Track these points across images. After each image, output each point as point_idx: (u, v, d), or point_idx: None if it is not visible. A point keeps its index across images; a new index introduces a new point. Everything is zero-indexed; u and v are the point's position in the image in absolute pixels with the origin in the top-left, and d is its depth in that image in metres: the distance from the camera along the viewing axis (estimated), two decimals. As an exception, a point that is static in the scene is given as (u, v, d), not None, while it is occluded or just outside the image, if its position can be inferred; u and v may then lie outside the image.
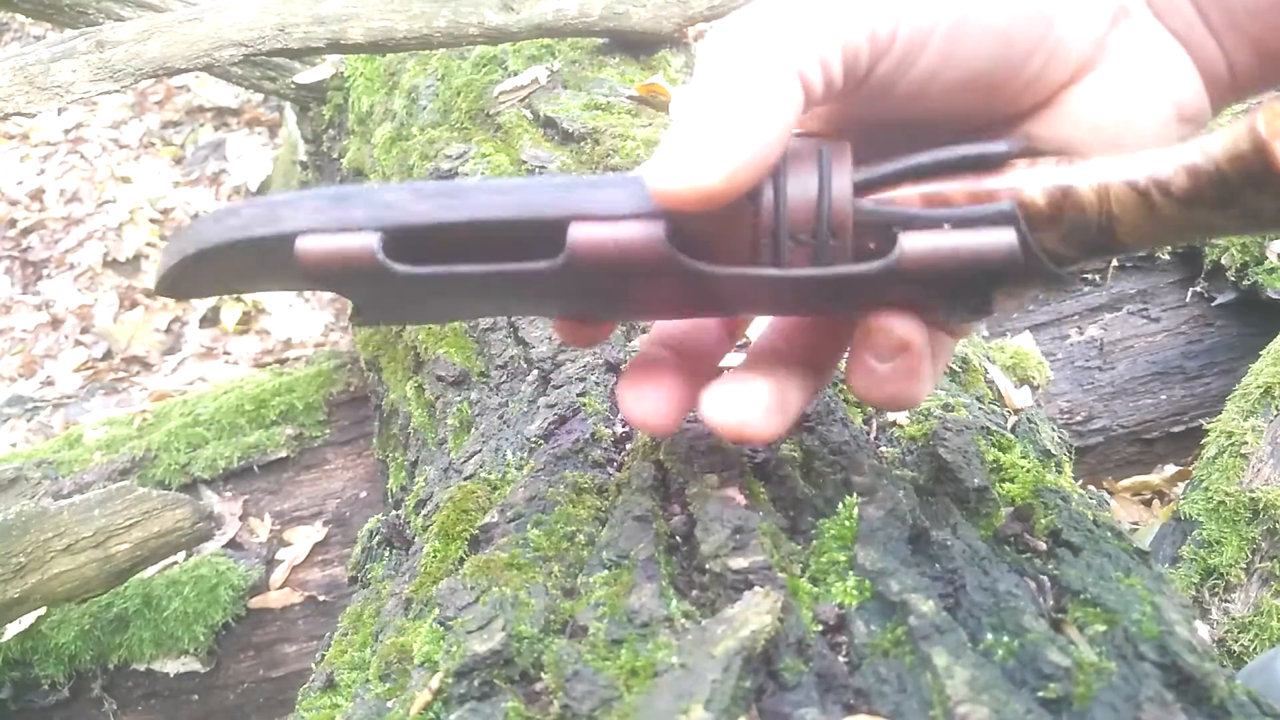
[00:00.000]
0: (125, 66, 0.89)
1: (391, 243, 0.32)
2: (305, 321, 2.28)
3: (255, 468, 1.14)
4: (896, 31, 0.31)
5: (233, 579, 1.04)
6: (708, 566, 0.35)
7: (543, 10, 1.03)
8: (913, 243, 0.31)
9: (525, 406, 0.58)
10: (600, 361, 0.58)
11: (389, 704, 0.37)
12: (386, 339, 0.90)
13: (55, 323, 2.45)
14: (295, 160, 1.99)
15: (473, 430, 0.62)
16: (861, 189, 0.32)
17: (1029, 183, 0.31)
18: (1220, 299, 1.14)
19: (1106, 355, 1.16)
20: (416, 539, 0.55)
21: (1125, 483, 1.18)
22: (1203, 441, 0.93)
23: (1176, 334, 1.16)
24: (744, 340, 0.57)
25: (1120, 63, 0.34)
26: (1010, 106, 0.34)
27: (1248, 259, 1.10)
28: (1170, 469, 1.17)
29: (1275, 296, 1.07)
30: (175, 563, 1.05)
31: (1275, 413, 0.89)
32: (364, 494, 1.14)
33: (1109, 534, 0.40)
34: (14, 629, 0.97)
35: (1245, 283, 1.10)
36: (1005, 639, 0.31)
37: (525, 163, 0.86)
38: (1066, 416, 1.14)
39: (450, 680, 0.33)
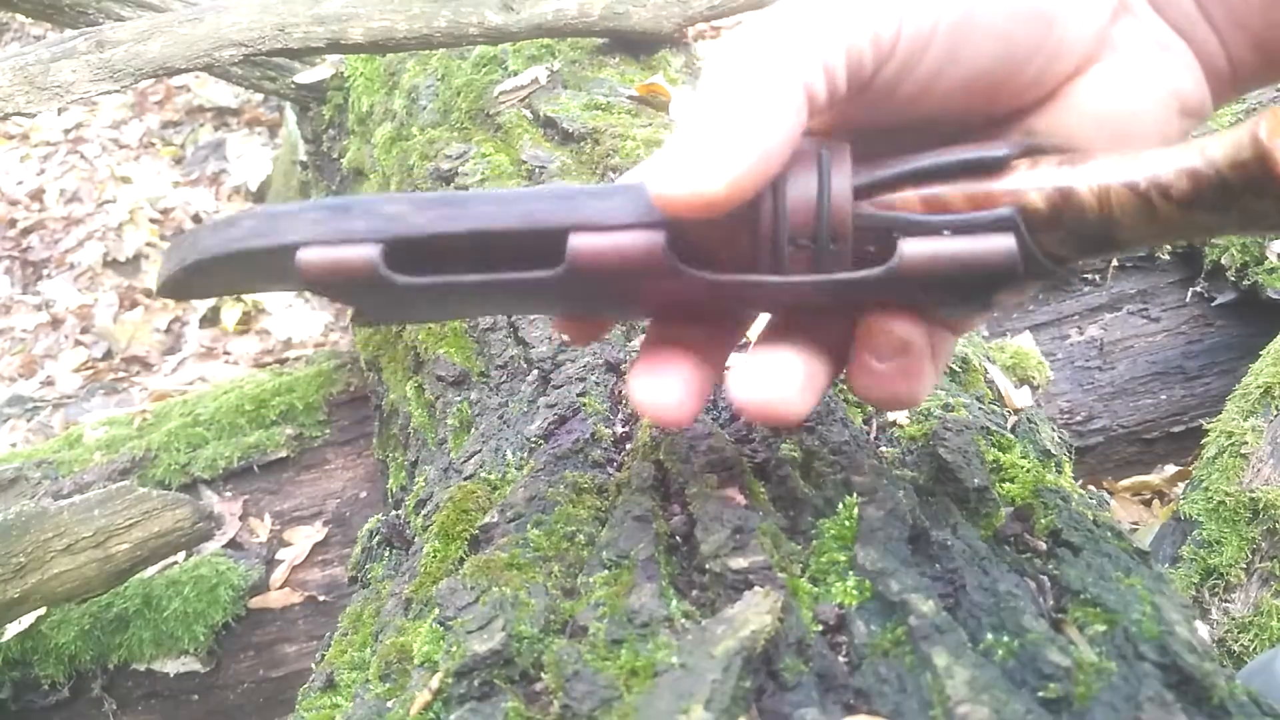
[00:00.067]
0: (125, 66, 0.89)
1: (392, 253, 0.32)
2: (305, 321, 2.28)
3: (255, 468, 1.14)
4: (899, 35, 0.31)
5: (233, 579, 1.04)
6: (708, 566, 0.35)
7: (543, 10, 1.03)
8: (913, 248, 0.31)
9: (525, 406, 0.58)
10: (600, 361, 0.58)
11: (389, 704, 0.37)
12: (386, 339, 0.90)
13: (55, 323, 2.45)
14: (295, 160, 1.99)
15: (473, 430, 0.62)
16: (861, 192, 0.32)
17: (1029, 185, 0.31)
18: (1220, 299, 1.14)
19: (1106, 355, 1.16)
20: (416, 539, 0.55)
21: (1125, 483, 1.18)
22: (1203, 441, 0.93)
23: (1176, 334, 1.16)
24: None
25: (1122, 56, 0.34)
26: (1012, 103, 0.34)
27: (1248, 259, 1.10)
28: (1170, 469, 1.17)
29: (1275, 296, 1.07)
30: (175, 563, 1.05)
31: (1275, 413, 0.89)
32: (364, 494, 1.13)
33: (1109, 534, 0.40)
34: (14, 629, 0.97)
35: (1245, 283, 1.10)
36: (1005, 639, 0.31)
37: (525, 162, 0.86)
38: (1066, 416, 1.14)
39: (450, 680, 0.33)
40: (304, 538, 1.11)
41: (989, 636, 0.32)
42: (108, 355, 2.35)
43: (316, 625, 1.06)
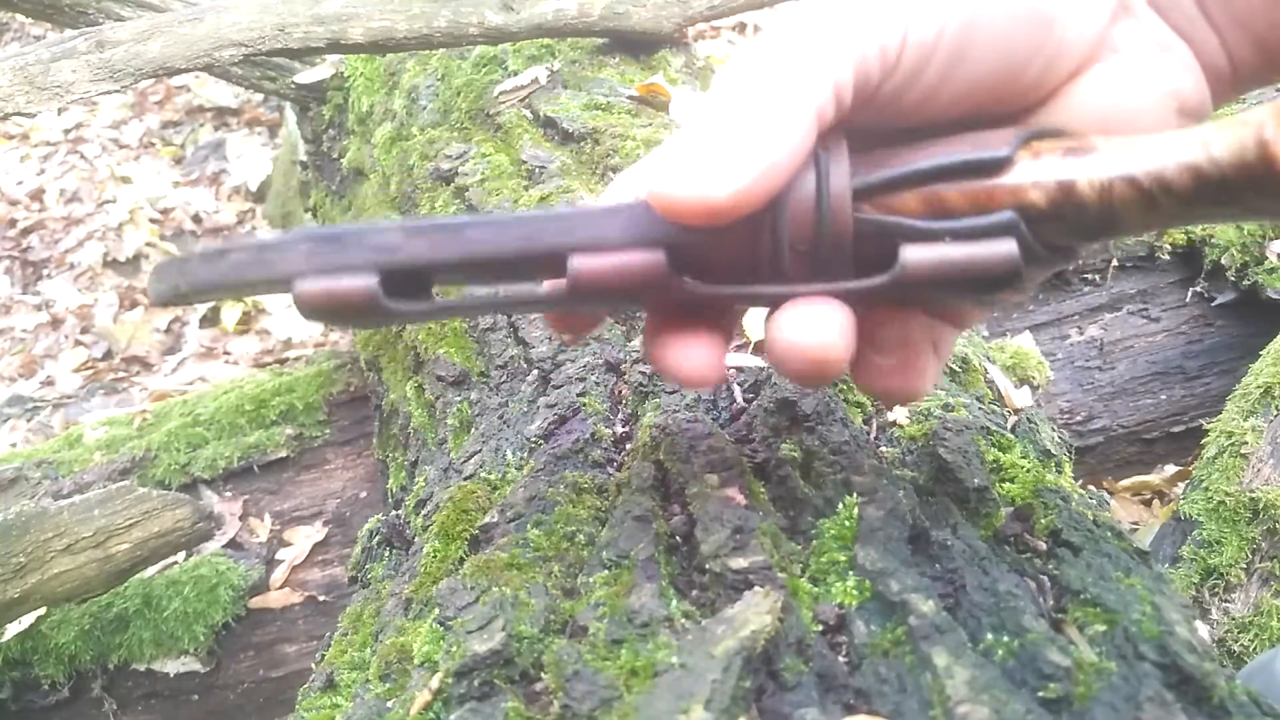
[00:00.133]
0: (125, 66, 0.89)
1: (389, 280, 0.32)
2: (305, 322, 2.28)
3: (255, 468, 1.14)
4: (904, 45, 0.31)
5: (233, 579, 1.04)
6: (708, 566, 0.35)
7: (543, 10, 1.03)
8: (914, 255, 0.31)
9: (525, 406, 0.58)
10: (600, 361, 0.58)
11: (389, 704, 0.37)
12: (386, 339, 0.90)
13: (55, 323, 2.45)
14: (295, 160, 1.99)
15: (473, 430, 0.62)
16: (860, 195, 0.32)
17: (1030, 182, 0.31)
18: (1220, 299, 1.14)
19: (1106, 355, 1.16)
20: (416, 539, 0.55)
21: (1125, 483, 1.18)
22: (1203, 441, 0.93)
23: (1176, 334, 1.16)
24: (744, 340, 0.57)
25: (1121, 57, 0.34)
26: (1013, 106, 0.34)
27: (1248, 259, 1.10)
28: (1170, 469, 1.17)
29: (1275, 296, 1.07)
30: (175, 563, 1.05)
31: (1275, 413, 0.89)
32: (364, 494, 1.14)
33: (1109, 534, 0.40)
34: (14, 629, 0.97)
35: (1245, 283, 1.10)
36: (1005, 639, 0.31)
37: (525, 163, 0.86)
38: (1066, 416, 1.14)
39: (450, 680, 0.33)
40: (304, 538, 1.11)
41: (989, 636, 0.32)
42: (108, 355, 2.35)
43: (316, 625, 1.06)
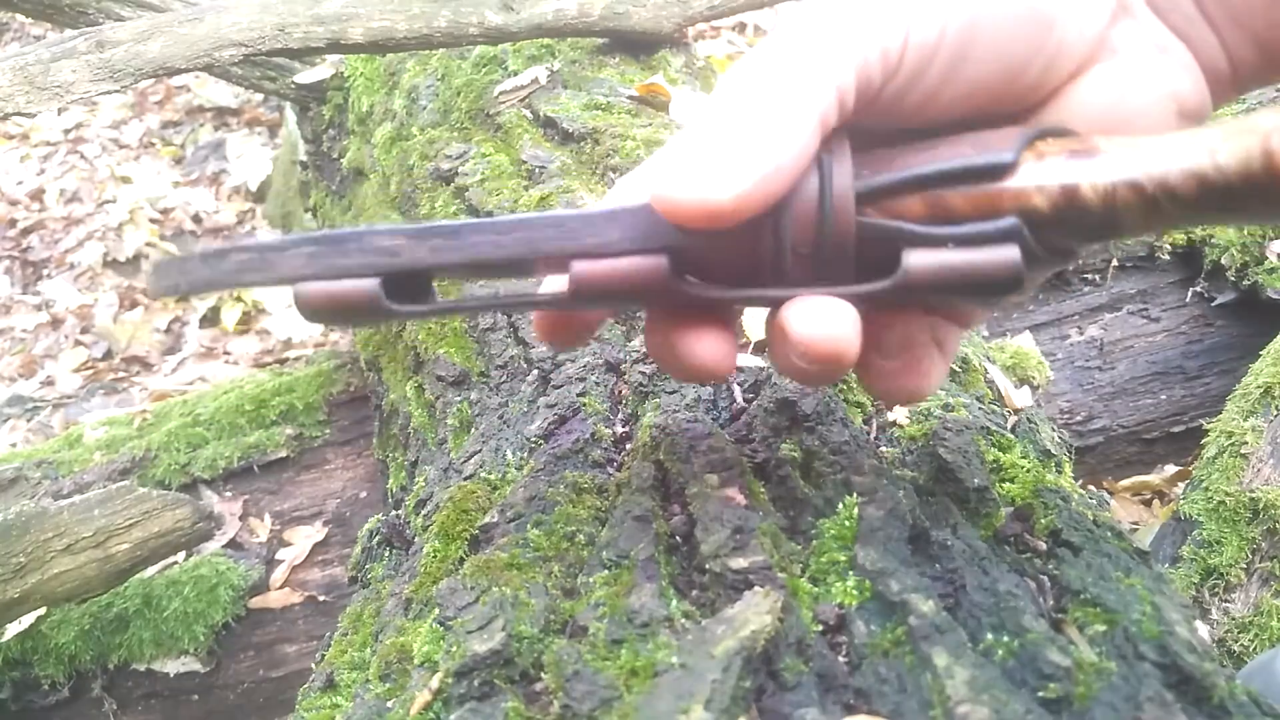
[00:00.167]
0: (125, 66, 0.89)
1: (390, 282, 0.32)
2: (305, 321, 2.27)
3: (255, 468, 1.14)
4: (906, 47, 0.31)
5: (233, 579, 1.04)
6: (708, 566, 0.35)
7: (543, 10, 1.03)
8: (917, 261, 0.31)
9: (525, 406, 0.58)
10: (600, 361, 0.58)
11: (389, 704, 0.37)
12: (386, 339, 0.90)
13: (55, 323, 2.45)
14: (295, 160, 1.99)
15: (473, 430, 0.62)
16: (864, 199, 0.32)
17: (1033, 187, 0.31)
18: (1220, 299, 1.14)
19: (1106, 355, 1.16)
20: (416, 539, 0.55)
21: (1125, 483, 1.18)
22: (1203, 441, 0.93)
23: (1176, 334, 1.16)
24: (744, 340, 0.57)
25: (1120, 59, 0.34)
26: (1012, 107, 0.34)
27: (1248, 259, 1.10)
28: (1170, 469, 1.17)
29: (1275, 296, 1.07)
30: (175, 563, 1.05)
31: (1275, 413, 0.89)
32: (364, 494, 1.14)
33: (1109, 534, 0.40)
34: (14, 629, 0.97)
35: (1245, 283, 1.10)
36: (1005, 639, 0.31)
37: (525, 162, 0.86)
38: (1066, 416, 1.14)
39: (450, 680, 0.33)
40: (304, 538, 1.11)
41: (989, 636, 0.32)
42: (108, 355, 2.35)
43: (316, 625, 1.06)
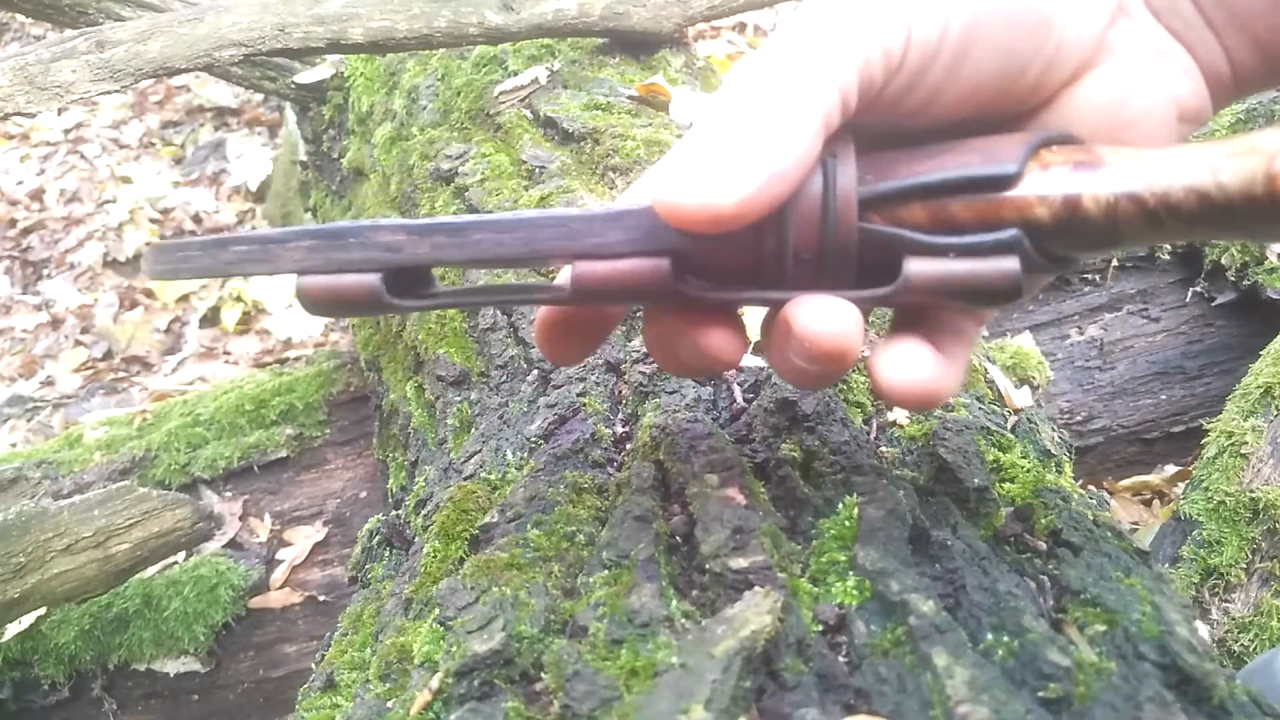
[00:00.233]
0: (125, 66, 0.89)
1: (391, 277, 0.32)
2: (305, 321, 2.28)
3: (255, 468, 1.14)
4: (908, 45, 0.31)
5: (233, 579, 1.04)
6: (708, 566, 0.35)
7: (543, 10, 1.03)
8: (917, 269, 0.31)
9: (525, 406, 0.58)
10: (600, 361, 0.58)
11: (389, 704, 0.37)
12: (386, 339, 0.90)
13: (55, 323, 2.45)
14: (295, 160, 1.99)
15: (473, 430, 0.62)
16: (867, 205, 0.32)
17: (1036, 198, 0.31)
18: (1220, 299, 1.14)
19: (1106, 355, 1.16)
20: (416, 539, 0.55)
21: (1125, 483, 1.18)
22: (1203, 441, 0.93)
23: (1176, 334, 1.16)
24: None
25: (1119, 62, 0.34)
26: (1011, 111, 0.34)
27: (1248, 259, 1.10)
28: (1170, 469, 1.17)
29: (1275, 296, 1.07)
30: (175, 563, 1.05)
31: (1275, 413, 0.89)
32: (364, 494, 1.14)
33: (1109, 534, 0.40)
34: (14, 629, 0.97)
35: (1245, 283, 1.10)
36: (1005, 639, 0.31)
37: (525, 162, 0.86)
38: (1066, 416, 1.14)
39: (450, 680, 0.33)
40: (304, 538, 1.11)
41: (989, 636, 0.32)
42: (108, 355, 2.35)
43: (316, 625, 1.06)
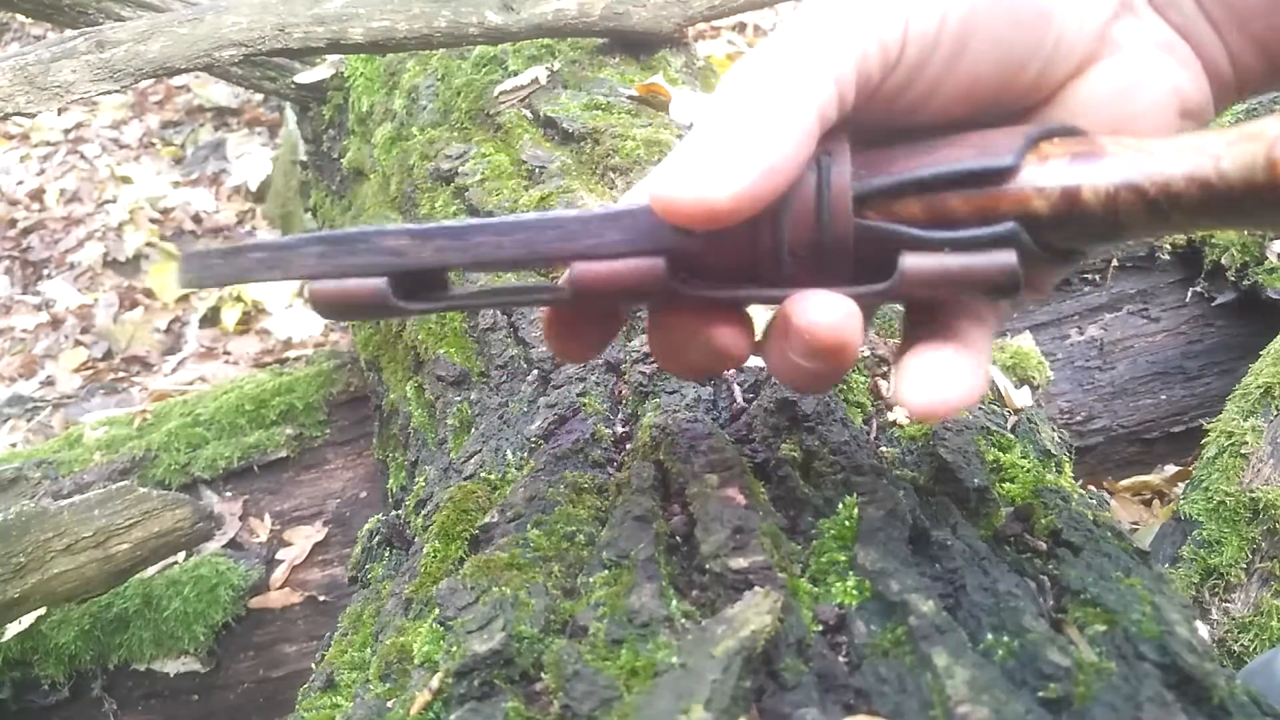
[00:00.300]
0: (125, 66, 0.89)
1: (398, 281, 0.34)
2: (305, 321, 2.28)
3: (255, 468, 1.14)
4: (905, 40, 0.31)
5: (233, 579, 1.04)
6: (708, 566, 0.35)
7: (543, 10, 1.03)
8: (913, 264, 0.31)
9: (525, 406, 0.58)
10: (600, 361, 0.58)
11: (389, 704, 0.37)
12: (386, 339, 0.90)
13: (55, 323, 2.45)
14: (295, 160, 1.99)
15: (473, 430, 0.62)
16: (863, 201, 0.32)
17: (1034, 190, 0.31)
18: (1220, 299, 1.14)
19: (1106, 355, 1.16)
20: (416, 539, 0.55)
21: (1125, 483, 1.18)
22: (1203, 441, 0.93)
23: (1176, 334, 1.16)
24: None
25: (1122, 56, 0.34)
26: (1014, 106, 0.34)
27: (1248, 259, 1.10)
28: (1170, 469, 1.17)
29: (1275, 296, 1.07)
30: (175, 563, 1.05)
31: (1275, 413, 0.89)
32: (364, 494, 1.13)
33: (1109, 534, 0.40)
34: (14, 629, 0.97)
35: (1245, 283, 1.10)
36: (1005, 639, 0.31)
37: (525, 163, 0.86)
38: (1066, 416, 1.14)
39: (450, 680, 0.33)
40: (304, 538, 1.11)
41: (989, 636, 0.32)
42: (108, 355, 2.35)
43: (316, 625, 1.06)
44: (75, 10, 1.15)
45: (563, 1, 1.04)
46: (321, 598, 1.08)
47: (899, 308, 0.54)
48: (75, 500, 0.82)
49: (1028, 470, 0.46)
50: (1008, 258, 0.30)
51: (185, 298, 2.46)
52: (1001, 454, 0.47)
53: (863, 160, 0.32)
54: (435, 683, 0.34)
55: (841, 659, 0.33)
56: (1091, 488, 1.02)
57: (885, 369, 0.56)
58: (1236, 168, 0.28)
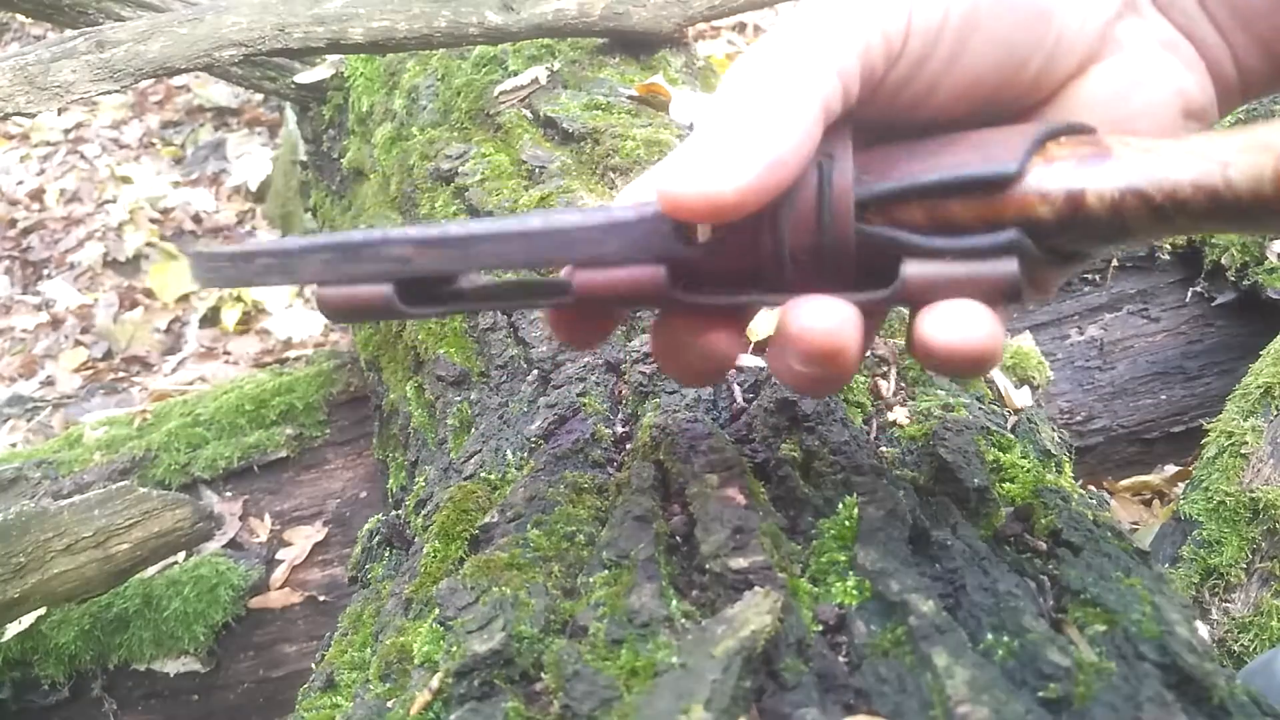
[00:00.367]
0: (125, 66, 0.89)
1: (402, 286, 0.34)
2: (305, 321, 2.28)
3: (255, 468, 1.14)
4: (909, 33, 0.31)
5: (233, 579, 1.04)
6: (708, 566, 0.35)
7: (543, 10, 1.03)
8: (915, 271, 0.31)
9: (525, 406, 0.58)
10: (600, 361, 0.58)
11: (389, 704, 0.37)
12: (386, 339, 0.90)
13: (55, 323, 2.45)
14: (295, 160, 1.99)
15: (473, 430, 0.62)
16: (864, 205, 0.32)
17: (1038, 197, 0.30)
18: (1220, 299, 1.14)
19: (1106, 355, 1.16)
20: (416, 539, 0.55)
21: (1125, 483, 1.18)
22: (1203, 441, 0.93)
23: (1176, 334, 1.16)
24: (745, 340, 0.57)
25: (1125, 56, 0.34)
26: (1016, 104, 0.34)
27: (1248, 259, 1.10)
28: (1170, 469, 1.17)
29: (1275, 296, 1.07)
30: (175, 563, 1.05)
31: (1275, 413, 0.89)
32: (364, 494, 1.13)
33: (1109, 534, 0.40)
34: (14, 629, 0.97)
35: (1245, 283, 1.10)
36: (1005, 639, 0.31)
37: (525, 162, 0.86)
38: (1066, 416, 1.14)
39: (450, 680, 0.33)
40: (304, 538, 1.11)
41: (989, 636, 0.32)
42: (108, 355, 2.35)
43: (316, 625, 1.06)
44: (75, 10, 1.15)
45: (563, 1, 1.04)
46: (321, 598, 1.08)
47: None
48: (75, 500, 0.82)
49: (1028, 470, 0.46)
50: (1009, 266, 0.30)
51: (185, 298, 2.46)
52: (1001, 454, 0.47)
53: (864, 161, 0.32)
54: (435, 683, 0.34)
55: (841, 659, 0.33)
56: (1091, 488, 1.02)
57: (885, 369, 0.56)
58: (1244, 178, 0.28)
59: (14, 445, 1.97)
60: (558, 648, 0.33)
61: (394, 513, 0.65)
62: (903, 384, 0.55)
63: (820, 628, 0.34)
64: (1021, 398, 0.59)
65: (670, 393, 0.53)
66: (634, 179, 0.77)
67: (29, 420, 2.09)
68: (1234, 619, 0.82)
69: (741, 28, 2.75)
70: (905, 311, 0.39)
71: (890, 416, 0.51)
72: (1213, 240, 1.14)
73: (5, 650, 0.98)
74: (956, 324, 0.30)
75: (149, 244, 2.62)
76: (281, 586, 1.08)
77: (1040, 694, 0.29)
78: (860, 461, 0.42)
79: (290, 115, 2.13)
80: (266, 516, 1.12)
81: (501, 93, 1.02)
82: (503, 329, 0.68)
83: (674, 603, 0.34)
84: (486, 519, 0.45)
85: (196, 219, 2.74)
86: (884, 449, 0.48)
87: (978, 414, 0.52)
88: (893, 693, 0.30)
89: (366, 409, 1.13)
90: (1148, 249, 1.18)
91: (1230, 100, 0.36)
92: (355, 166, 1.23)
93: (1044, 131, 0.31)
